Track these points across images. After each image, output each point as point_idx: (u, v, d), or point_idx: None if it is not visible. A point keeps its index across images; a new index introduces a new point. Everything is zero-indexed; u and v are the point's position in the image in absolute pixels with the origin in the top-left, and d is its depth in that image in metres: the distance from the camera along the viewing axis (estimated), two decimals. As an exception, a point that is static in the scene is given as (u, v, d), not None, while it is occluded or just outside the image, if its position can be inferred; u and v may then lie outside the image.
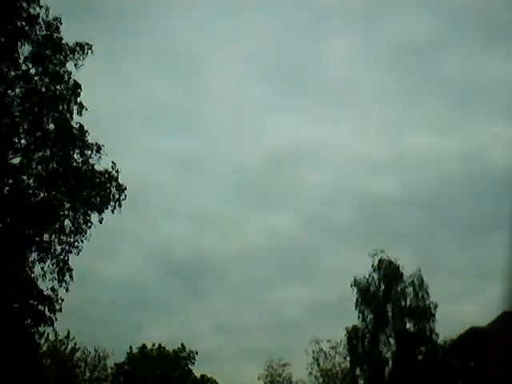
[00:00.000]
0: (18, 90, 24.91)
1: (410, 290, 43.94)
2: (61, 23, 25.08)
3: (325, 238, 74.38)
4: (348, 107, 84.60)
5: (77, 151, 25.58)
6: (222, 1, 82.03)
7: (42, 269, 24.72)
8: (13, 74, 24.80)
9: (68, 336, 47.83)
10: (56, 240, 25.12)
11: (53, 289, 24.64)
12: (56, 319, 24.70)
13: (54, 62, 25.13)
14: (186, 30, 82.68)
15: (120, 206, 26.04)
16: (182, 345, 57.33)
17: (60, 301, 24.69)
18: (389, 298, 44.10)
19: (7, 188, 24.66)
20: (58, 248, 25.10)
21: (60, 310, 24.72)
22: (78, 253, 25.53)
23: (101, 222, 25.90)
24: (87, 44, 25.63)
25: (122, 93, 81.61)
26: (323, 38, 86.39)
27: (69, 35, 25.38)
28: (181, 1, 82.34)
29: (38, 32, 24.98)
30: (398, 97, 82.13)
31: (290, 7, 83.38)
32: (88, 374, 51.64)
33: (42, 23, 24.89)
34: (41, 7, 24.75)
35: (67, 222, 25.41)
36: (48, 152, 25.26)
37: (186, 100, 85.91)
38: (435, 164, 75.90)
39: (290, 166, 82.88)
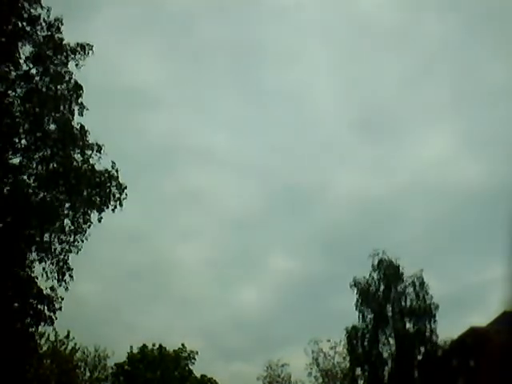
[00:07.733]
0: (18, 90, 24.93)
1: (410, 290, 43.92)
2: (62, 24, 25.11)
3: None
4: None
5: (77, 151, 25.59)
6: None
7: (44, 269, 24.75)
8: (14, 74, 24.80)
9: (68, 336, 47.85)
10: (56, 240, 25.13)
11: (52, 288, 24.69)
12: (56, 318, 24.76)
13: (55, 62, 25.13)
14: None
15: (121, 205, 26.04)
16: (183, 345, 57.40)
17: (60, 300, 24.74)
18: (389, 298, 44.03)
19: (7, 188, 24.64)
20: (58, 247, 25.11)
21: (60, 309, 24.76)
22: (78, 252, 25.55)
23: (100, 221, 25.93)
24: (88, 44, 25.67)
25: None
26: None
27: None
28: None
29: (39, 32, 24.97)
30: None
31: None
32: (88, 374, 51.66)
33: (43, 23, 24.89)
34: (42, 8, 24.78)
35: (67, 222, 25.43)
36: (48, 152, 25.21)
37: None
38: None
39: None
